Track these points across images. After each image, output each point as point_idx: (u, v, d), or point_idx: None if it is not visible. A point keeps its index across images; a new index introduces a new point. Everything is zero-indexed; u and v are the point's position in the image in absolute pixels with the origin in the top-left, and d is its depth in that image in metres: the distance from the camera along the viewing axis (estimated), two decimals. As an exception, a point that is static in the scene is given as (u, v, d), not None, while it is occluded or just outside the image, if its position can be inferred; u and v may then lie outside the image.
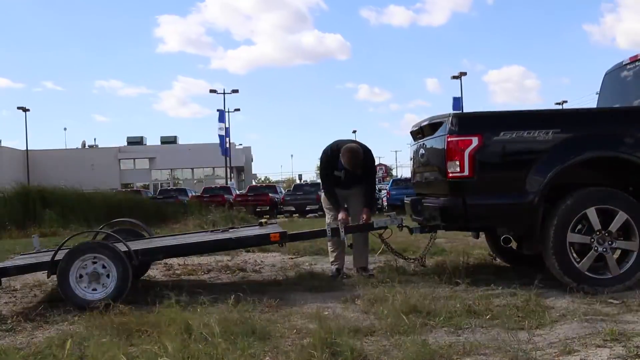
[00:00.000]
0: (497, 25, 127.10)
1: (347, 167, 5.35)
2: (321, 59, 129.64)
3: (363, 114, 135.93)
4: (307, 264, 6.41)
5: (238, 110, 44.66)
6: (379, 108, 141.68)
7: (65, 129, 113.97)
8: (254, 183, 51.27)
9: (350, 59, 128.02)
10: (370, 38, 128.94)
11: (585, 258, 4.28)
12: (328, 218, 5.62)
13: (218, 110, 37.16)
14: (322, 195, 5.76)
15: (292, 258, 7.01)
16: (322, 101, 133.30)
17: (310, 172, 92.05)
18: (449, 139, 4.36)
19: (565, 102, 46.79)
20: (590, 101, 53.59)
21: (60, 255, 4.43)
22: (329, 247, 5.57)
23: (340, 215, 5.30)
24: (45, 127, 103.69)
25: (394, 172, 79.89)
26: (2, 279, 4.74)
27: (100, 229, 6.17)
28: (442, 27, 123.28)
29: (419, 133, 5.26)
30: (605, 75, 5.79)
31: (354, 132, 74.28)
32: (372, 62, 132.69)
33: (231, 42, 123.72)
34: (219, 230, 6.33)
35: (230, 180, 41.58)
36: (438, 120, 4.69)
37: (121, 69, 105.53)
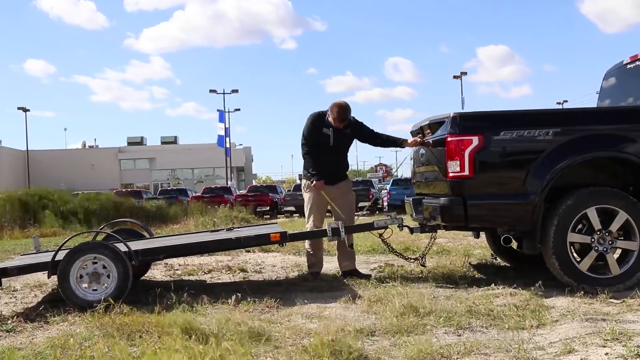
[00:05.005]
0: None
1: (337, 122, 5.19)
2: (265, 37, 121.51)
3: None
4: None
5: (238, 110, 44.76)
6: (349, 98, 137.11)
7: (65, 129, 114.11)
8: (254, 183, 51.26)
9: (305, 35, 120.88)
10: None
11: (585, 258, 4.28)
12: (308, 224, 5.50)
13: (218, 110, 37.21)
14: (303, 192, 5.58)
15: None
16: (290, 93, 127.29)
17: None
18: (450, 139, 4.36)
19: (566, 101, 46.93)
20: (590, 100, 53.68)
21: (60, 256, 4.42)
22: (307, 249, 5.53)
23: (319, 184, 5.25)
24: (45, 127, 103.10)
25: (394, 172, 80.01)
26: (2, 280, 4.74)
27: (101, 229, 6.17)
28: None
29: (419, 133, 5.26)
30: (605, 74, 5.79)
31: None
32: (332, 39, 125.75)
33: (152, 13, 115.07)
34: (218, 230, 6.34)
35: (231, 181, 41.59)
36: (438, 120, 4.69)
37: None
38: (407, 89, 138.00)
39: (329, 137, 5.30)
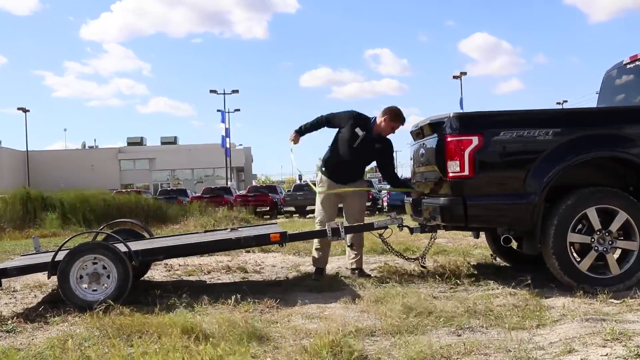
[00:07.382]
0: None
1: (384, 132, 5.29)
2: (229, 23, 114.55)
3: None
4: (307, 264, 6.41)
5: (238, 110, 44.76)
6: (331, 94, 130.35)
7: (65, 129, 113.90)
8: (254, 183, 51.20)
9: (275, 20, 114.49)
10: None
11: (585, 258, 4.28)
12: (317, 220, 5.45)
13: (218, 110, 37.26)
14: (318, 198, 5.50)
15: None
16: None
17: (310, 173, 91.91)
18: (449, 139, 4.36)
19: (566, 101, 47.00)
20: (590, 100, 53.70)
21: (60, 256, 4.42)
22: (315, 245, 5.46)
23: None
24: (45, 127, 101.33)
25: (394, 172, 79.73)
26: (2, 280, 4.73)
27: (101, 229, 6.17)
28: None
29: (419, 133, 5.26)
30: (605, 74, 5.79)
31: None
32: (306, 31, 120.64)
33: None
34: (216, 230, 6.34)
35: (231, 181, 41.58)
36: (438, 120, 4.69)
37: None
38: (391, 82, 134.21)
39: (357, 138, 5.28)
